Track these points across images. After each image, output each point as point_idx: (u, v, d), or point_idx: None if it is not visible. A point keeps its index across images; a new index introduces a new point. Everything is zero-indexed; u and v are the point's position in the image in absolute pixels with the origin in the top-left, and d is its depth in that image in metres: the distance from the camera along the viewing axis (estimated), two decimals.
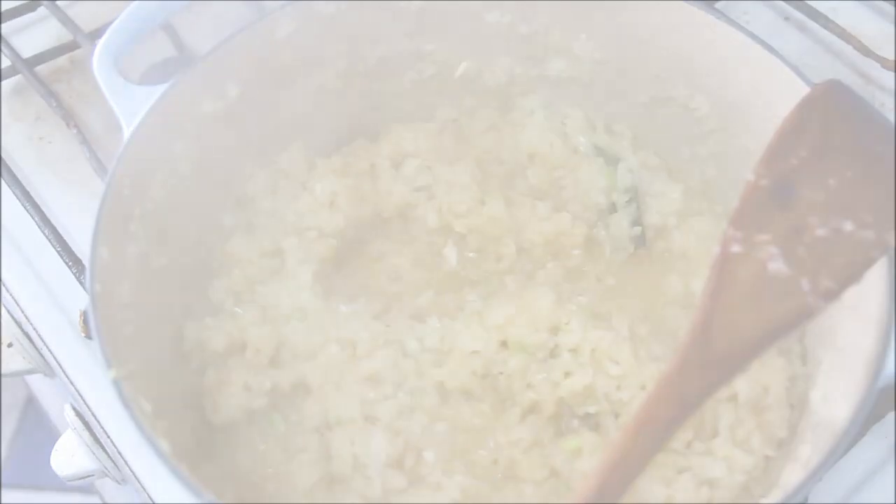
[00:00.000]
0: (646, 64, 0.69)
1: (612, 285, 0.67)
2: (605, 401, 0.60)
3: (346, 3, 0.67)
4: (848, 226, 0.51)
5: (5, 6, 0.89)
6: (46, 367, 0.78)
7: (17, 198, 0.76)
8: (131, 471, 0.66)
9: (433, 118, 0.74)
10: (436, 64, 0.73)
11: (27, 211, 0.75)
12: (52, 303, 0.73)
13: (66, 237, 0.73)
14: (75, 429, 0.70)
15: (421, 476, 0.59)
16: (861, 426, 0.50)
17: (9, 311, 0.78)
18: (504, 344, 0.62)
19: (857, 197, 0.52)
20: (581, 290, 0.66)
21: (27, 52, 0.85)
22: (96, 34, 0.81)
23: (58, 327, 0.72)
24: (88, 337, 0.70)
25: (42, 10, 0.89)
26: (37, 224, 0.74)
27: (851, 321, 0.55)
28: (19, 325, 0.77)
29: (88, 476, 0.71)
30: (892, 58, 0.79)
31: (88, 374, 0.70)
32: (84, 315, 0.70)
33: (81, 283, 0.70)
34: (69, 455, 0.70)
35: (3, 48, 0.84)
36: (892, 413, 0.65)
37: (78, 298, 0.72)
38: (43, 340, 0.72)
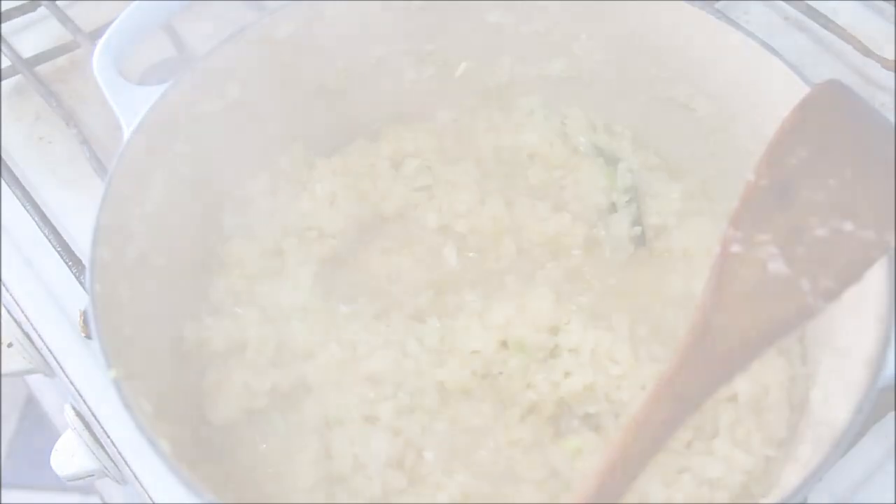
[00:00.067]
0: (646, 64, 0.69)
1: (612, 285, 0.67)
2: (605, 401, 0.60)
3: (347, 4, 0.67)
4: (848, 226, 0.51)
5: (5, 6, 0.89)
6: (46, 367, 0.78)
7: (17, 198, 0.76)
8: (131, 471, 0.66)
9: (433, 118, 0.74)
10: (436, 64, 0.73)
11: (27, 211, 0.75)
12: (52, 303, 0.73)
13: (66, 237, 0.73)
14: (75, 429, 0.70)
15: (421, 476, 0.59)
16: (861, 426, 0.50)
17: (9, 311, 0.78)
18: (504, 344, 0.62)
19: (857, 197, 0.52)
20: (581, 290, 0.66)
21: (27, 52, 0.85)
22: (96, 34, 0.81)
23: (58, 327, 0.72)
24: (88, 337, 0.70)
25: (42, 10, 0.89)
26: (37, 224, 0.74)
27: (851, 321, 0.55)
28: (19, 325, 0.77)
29: (88, 476, 0.71)
30: (892, 58, 0.79)
31: (88, 374, 0.70)
32: (84, 315, 0.70)
33: (81, 283, 0.70)
34: (69, 455, 0.70)
35: (3, 48, 0.84)
36: (892, 413, 0.65)
37: (78, 298, 0.72)
38: (43, 340, 0.72)
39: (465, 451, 0.60)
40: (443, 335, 0.63)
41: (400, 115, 0.73)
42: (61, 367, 0.71)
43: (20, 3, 0.89)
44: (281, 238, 0.67)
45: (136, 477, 0.66)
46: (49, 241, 0.73)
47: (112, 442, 0.67)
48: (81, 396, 0.69)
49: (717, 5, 0.79)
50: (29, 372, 0.80)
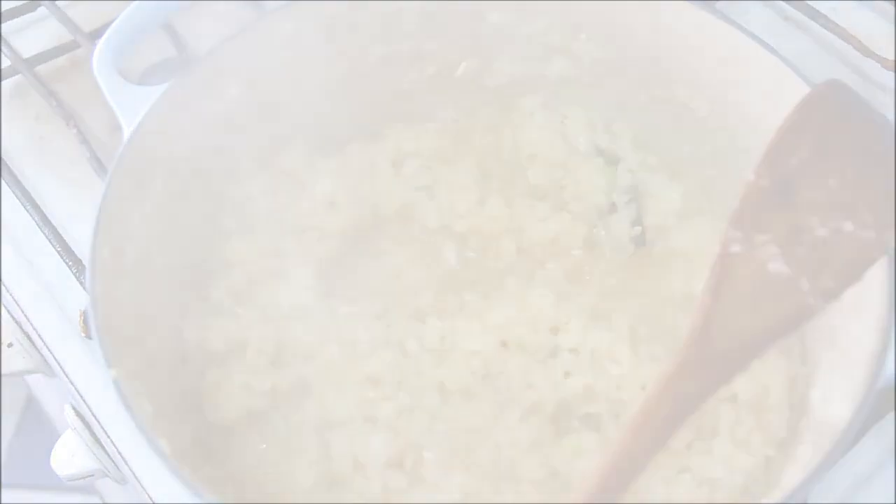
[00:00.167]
0: (646, 64, 0.69)
1: (612, 285, 0.67)
2: (605, 401, 0.60)
3: (347, 3, 0.67)
4: (848, 226, 0.51)
5: (5, 6, 0.89)
6: (46, 367, 0.78)
7: (17, 198, 0.76)
8: (131, 471, 0.66)
9: (433, 118, 0.74)
10: (436, 64, 0.73)
11: (27, 211, 0.75)
12: (52, 303, 0.73)
13: (66, 237, 0.73)
14: (75, 429, 0.70)
15: (421, 476, 0.59)
16: (861, 426, 0.50)
17: (9, 311, 0.78)
18: (504, 344, 0.62)
19: (857, 197, 0.52)
20: (581, 290, 0.66)
21: (27, 52, 0.85)
22: (96, 34, 0.81)
23: (58, 327, 0.72)
24: (88, 337, 0.70)
25: (42, 10, 0.89)
26: (37, 224, 0.74)
27: (851, 321, 0.55)
28: (19, 325, 0.77)
29: (88, 476, 0.71)
30: (892, 58, 0.78)
31: (88, 374, 0.70)
32: (84, 315, 0.70)
33: (81, 283, 0.70)
34: (69, 455, 0.70)
35: (3, 48, 0.84)
36: (892, 413, 0.65)
37: (78, 298, 0.72)
38: (43, 340, 0.72)
39: (465, 451, 0.60)
40: (443, 335, 0.63)
41: (400, 115, 0.73)
42: (61, 367, 0.71)
43: (20, 3, 0.89)
44: (281, 238, 0.67)
45: (136, 477, 0.66)
46: (49, 241, 0.73)
47: (112, 442, 0.67)
48: (81, 396, 0.69)
49: (717, 5, 0.79)
50: (29, 372, 0.79)
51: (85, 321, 0.70)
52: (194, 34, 0.85)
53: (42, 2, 0.88)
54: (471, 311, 0.64)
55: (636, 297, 0.66)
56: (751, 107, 0.65)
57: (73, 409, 0.71)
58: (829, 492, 0.64)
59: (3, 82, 0.84)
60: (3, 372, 0.79)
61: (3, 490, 1.61)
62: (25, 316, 0.74)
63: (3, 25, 0.87)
